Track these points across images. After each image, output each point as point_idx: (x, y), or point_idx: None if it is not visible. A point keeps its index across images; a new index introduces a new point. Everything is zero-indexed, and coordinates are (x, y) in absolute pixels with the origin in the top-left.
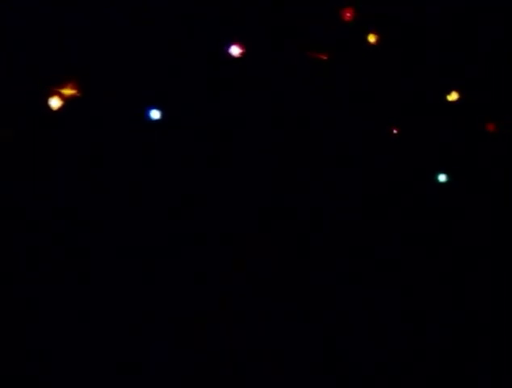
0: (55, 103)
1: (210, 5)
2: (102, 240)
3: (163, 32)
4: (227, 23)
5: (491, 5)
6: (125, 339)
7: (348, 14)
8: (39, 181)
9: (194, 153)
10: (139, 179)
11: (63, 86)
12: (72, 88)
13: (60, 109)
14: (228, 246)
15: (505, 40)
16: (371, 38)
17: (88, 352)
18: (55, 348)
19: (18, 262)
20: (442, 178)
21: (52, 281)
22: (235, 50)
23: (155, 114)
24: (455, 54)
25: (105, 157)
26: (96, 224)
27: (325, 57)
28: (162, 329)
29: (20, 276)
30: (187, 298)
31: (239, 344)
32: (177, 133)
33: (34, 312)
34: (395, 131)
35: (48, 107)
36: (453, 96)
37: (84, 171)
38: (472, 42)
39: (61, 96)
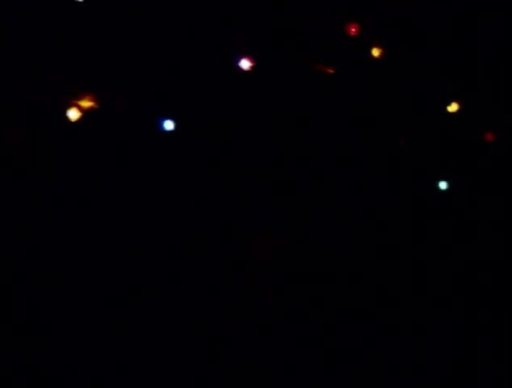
0: (73, 114)
1: (220, 19)
2: (103, 240)
3: (163, 35)
4: (236, 37)
5: (491, 5)
6: (125, 339)
7: (353, 30)
8: (47, 181)
9: (194, 154)
10: (138, 178)
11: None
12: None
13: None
14: (228, 246)
15: (505, 40)
16: (375, 52)
17: (88, 352)
18: (55, 348)
19: (18, 262)
20: (442, 185)
21: (53, 281)
22: (245, 64)
23: (169, 125)
24: (455, 55)
25: (104, 157)
26: (96, 224)
27: (330, 70)
28: (162, 329)
29: (20, 276)
30: (187, 298)
31: (239, 344)
32: (177, 134)
33: (34, 312)
34: (400, 140)
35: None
36: (453, 107)
37: (87, 172)
38: (472, 42)
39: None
